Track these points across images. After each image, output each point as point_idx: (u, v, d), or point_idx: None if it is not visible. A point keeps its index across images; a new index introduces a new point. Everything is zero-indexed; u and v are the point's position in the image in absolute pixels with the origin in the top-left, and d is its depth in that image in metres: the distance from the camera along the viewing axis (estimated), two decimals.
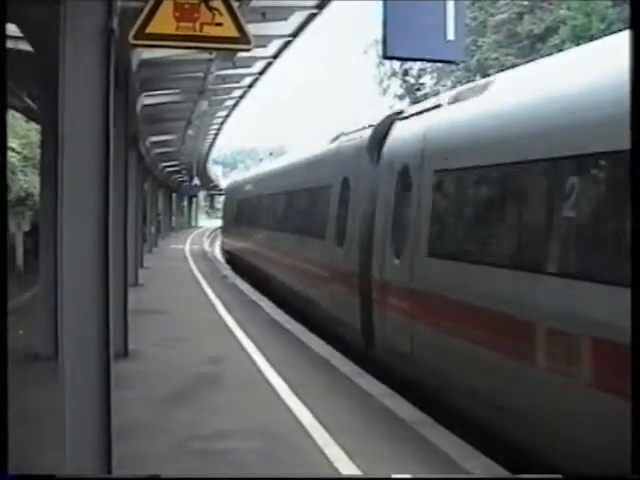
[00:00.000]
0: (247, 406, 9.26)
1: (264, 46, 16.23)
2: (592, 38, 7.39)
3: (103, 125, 5.57)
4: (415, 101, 56.47)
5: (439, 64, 44.21)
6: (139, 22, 5.80)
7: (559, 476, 5.85)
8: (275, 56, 18.69)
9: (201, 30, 5.89)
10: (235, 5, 6.07)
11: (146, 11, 5.81)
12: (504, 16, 51.42)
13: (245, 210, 31.04)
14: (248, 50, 6.15)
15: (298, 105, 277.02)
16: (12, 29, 10.40)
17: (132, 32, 5.78)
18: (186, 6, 5.91)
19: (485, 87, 9.35)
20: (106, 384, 5.59)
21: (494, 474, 6.87)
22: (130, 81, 13.00)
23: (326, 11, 14.45)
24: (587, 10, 45.47)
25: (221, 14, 5.89)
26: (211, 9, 5.90)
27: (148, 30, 5.80)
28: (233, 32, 5.88)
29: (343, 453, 7.36)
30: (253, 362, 11.77)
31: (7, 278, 4.06)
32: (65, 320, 5.60)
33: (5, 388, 3.85)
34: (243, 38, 5.92)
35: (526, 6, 50.30)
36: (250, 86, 23.06)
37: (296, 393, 9.73)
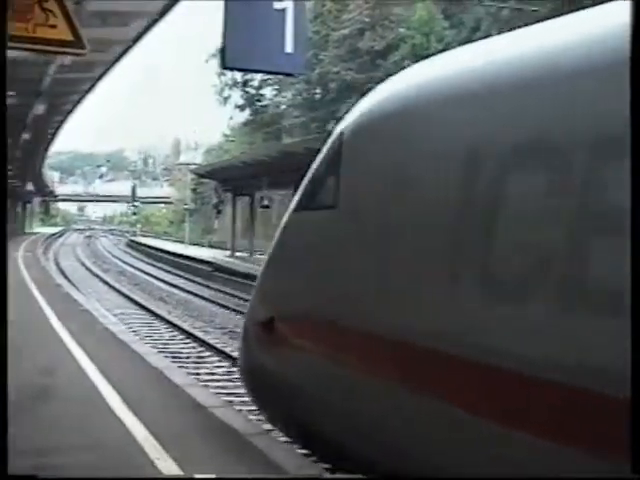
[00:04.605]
0: (79, 420, 9.01)
1: (103, 51, 15.97)
2: (430, 56, 7.74)
3: None
4: (255, 112, 56.74)
5: (280, 76, 44.68)
6: None
7: (359, 476, 6.08)
8: (115, 61, 18.42)
9: (34, 32, 5.68)
10: (72, 8, 5.91)
11: None
12: (346, 32, 52.60)
13: None
14: (83, 55, 6.02)
15: (135, 110, 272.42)
16: None
17: None
18: (20, 6, 5.70)
19: None
20: None
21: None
22: None
23: (169, 18, 14.44)
24: (425, 30, 47.30)
25: (55, 16, 5.70)
26: (45, 10, 5.70)
27: None
28: (67, 35, 5.70)
29: (175, 465, 7.29)
30: (84, 374, 11.46)
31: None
32: None
33: (5, 388, 3.81)
34: (77, 42, 5.76)
35: (367, 23, 51.64)
36: (88, 90, 22.60)
37: (129, 405, 9.55)
